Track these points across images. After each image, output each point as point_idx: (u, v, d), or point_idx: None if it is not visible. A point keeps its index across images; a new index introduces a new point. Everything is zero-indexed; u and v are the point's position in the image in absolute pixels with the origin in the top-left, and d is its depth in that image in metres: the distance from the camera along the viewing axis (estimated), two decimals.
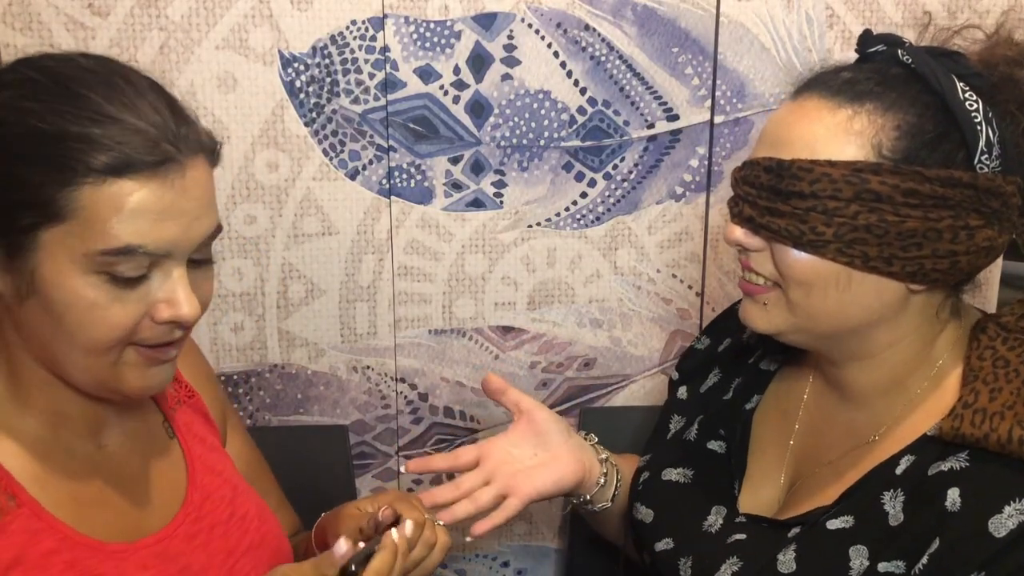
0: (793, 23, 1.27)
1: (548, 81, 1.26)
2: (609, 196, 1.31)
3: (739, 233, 0.85)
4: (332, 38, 1.20)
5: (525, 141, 1.28)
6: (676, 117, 1.29)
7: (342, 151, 1.25)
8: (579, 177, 1.30)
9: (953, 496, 0.75)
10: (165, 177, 0.71)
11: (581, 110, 1.27)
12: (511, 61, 1.24)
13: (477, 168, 1.28)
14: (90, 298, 0.70)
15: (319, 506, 1.07)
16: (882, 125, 0.79)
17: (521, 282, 1.34)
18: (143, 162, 0.70)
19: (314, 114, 1.23)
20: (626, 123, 1.29)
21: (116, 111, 0.70)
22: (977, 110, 0.79)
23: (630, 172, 1.31)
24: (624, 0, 1.24)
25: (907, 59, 0.82)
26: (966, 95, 0.80)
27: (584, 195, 1.31)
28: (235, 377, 1.31)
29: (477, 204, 1.29)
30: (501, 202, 1.30)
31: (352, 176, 1.26)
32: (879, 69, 0.83)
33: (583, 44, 1.25)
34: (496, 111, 1.26)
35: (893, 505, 0.80)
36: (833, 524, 0.83)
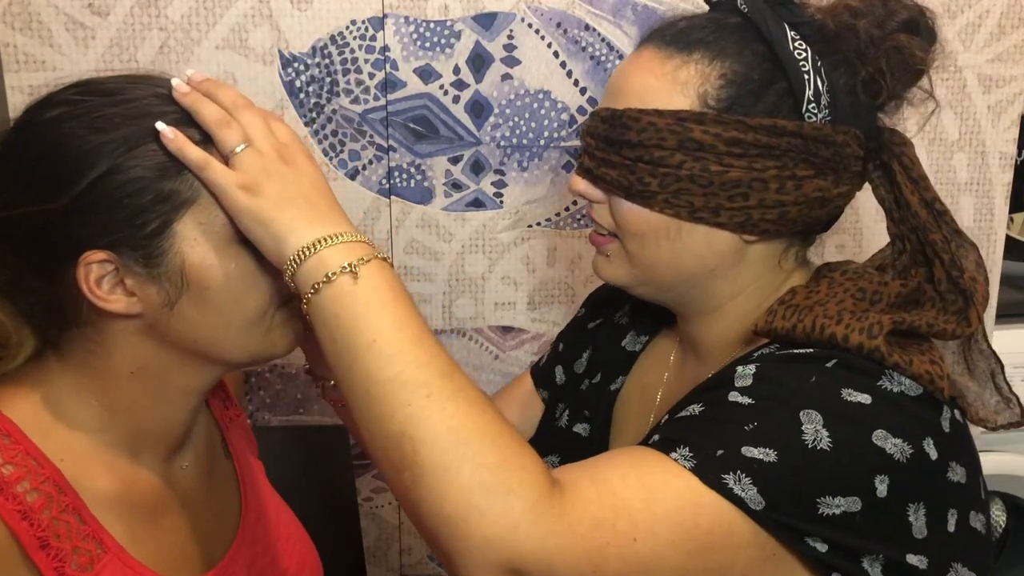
0: None
1: (548, 81, 1.26)
2: None
3: (582, 185, 0.85)
4: (332, 38, 1.20)
5: (525, 141, 1.28)
6: None
7: (342, 151, 1.25)
8: None
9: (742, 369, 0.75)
10: None
11: (581, 110, 1.27)
12: (511, 61, 1.24)
13: (477, 168, 1.28)
14: (240, 269, 0.71)
15: (320, 506, 1.08)
16: (708, 74, 0.78)
17: (521, 282, 1.34)
18: None
19: (314, 114, 1.23)
20: None
21: (166, 91, 0.72)
22: (806, 59, 0.78)
23: None
24: (624, 0, 1.24)
25: (744, 8, 0.81)
26: (796, 44, 0.79)
27: None
28: None
29: (477, 204, 1.29)
30: (501, 202, 1.30)
31: (352, 176, 1.26)
32: (716, 19, 0.82)
33: (583, 44, 1.25)
34: (496, 111, 1.26)
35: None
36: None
